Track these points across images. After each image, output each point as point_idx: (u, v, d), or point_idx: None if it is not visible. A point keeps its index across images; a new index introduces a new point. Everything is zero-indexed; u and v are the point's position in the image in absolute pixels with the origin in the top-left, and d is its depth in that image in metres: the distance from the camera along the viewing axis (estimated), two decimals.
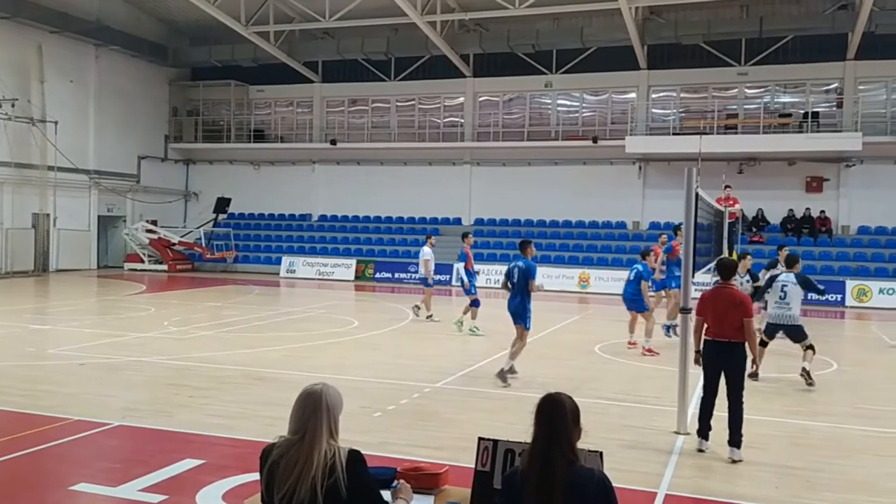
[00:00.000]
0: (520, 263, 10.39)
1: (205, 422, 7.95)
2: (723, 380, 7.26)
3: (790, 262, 11.48)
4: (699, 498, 6.18)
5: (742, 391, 7.22)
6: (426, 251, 17.07)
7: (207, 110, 34.76)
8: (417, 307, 17.06)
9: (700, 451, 7.23)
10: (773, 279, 11.17)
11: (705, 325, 7.38)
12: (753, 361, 7.34)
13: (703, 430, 7.33)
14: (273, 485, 3.10)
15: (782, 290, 10.88)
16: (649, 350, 12.84)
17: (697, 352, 7.50)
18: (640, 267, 13.16)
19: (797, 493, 6.27)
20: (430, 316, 16.79)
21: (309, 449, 3.04)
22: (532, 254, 10.60)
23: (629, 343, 13.46)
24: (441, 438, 7.52)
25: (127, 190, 31.48)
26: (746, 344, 7.22)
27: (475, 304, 15.13)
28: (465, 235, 16.43)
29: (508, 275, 10.52)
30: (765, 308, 11.72)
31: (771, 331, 11.11)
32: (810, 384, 10.39)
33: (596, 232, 28.83)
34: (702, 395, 7.42)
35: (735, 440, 7.10)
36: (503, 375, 10.25)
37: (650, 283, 13.85)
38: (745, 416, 7.16)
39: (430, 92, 31.49)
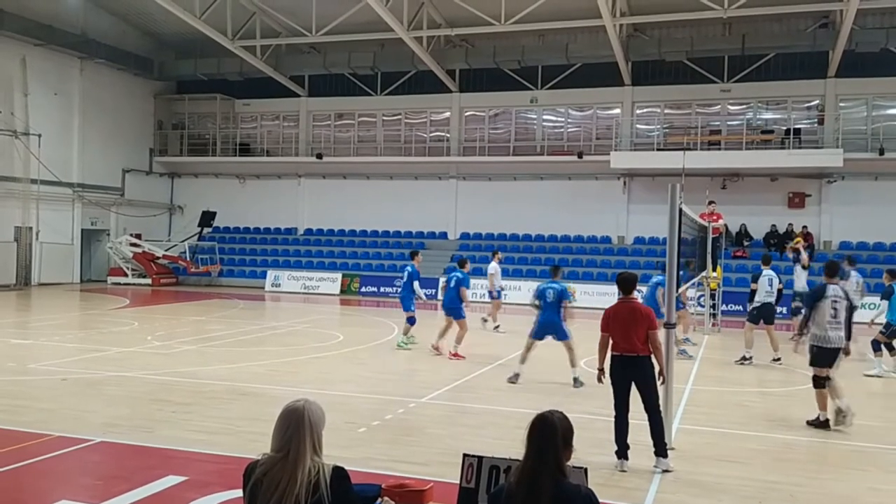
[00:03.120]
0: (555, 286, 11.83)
1: (187, 438, 7.88)
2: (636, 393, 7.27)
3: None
4: None
5: (658, 401, 7.25)
6: (493, 266, 18.36)
7: (193, 124, 34.69)
8: (485, 319, 18.22)
9: (622, 471, 7.10)
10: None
11: (611, 342, 7.32)
12: (661, 373, 7.29)
13: (622, 451, 7.21)
14: (256, 503, 3.08)
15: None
16: (455, 354, 13.57)
17: (601, 370, 7.41)
18: (458, 275, 13.89)
19: None
20: (497, 327, 17.90)
21: (293, 466, 3.02)
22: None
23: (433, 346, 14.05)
24: (426, 454, 7.49)
25: (111, 203, 31.31)
26: (653, 356, 7.23)
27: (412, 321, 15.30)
28: (414, 254, 16.51)
29: (541, 296, 11.69)
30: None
31: None
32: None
33: (581, 246, 28.94)
34: (614, 414, 7.30)
35: (660, 450, 7.13)
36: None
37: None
38: (664, 424, 7.21)
39: (416, 107, 31.59)
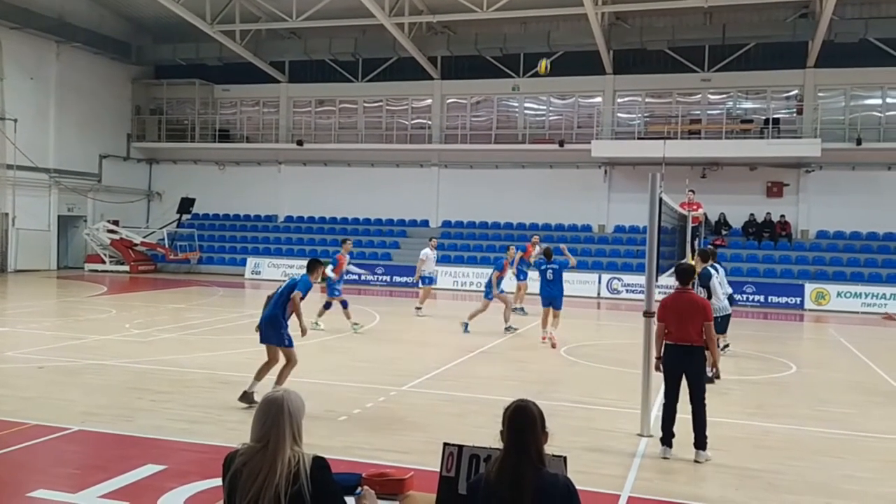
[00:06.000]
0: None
1: (167, 426, 7.83)
2: (684, 384, 7.36)
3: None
4: (662, 500, 6.24)
5: (704, 394, 7.33)
6: (425, 252, 18.78)
7: (171, 109, 34.31)
8: (418, 307, 18.62)
9: (665, 458, 7.25)
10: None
11: (666, 331, 7.41)
12: (714, 365, 7.40)
13: (667, 439, 7.35)
14: (236, 493, 3.06)
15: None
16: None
17: (659, 358, 7.51)
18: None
19: (757, 495, 6.37)
20: (420, 309, 18.47)
21: (273, 457, 3.01)
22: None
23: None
24: (407, 443, 7.50)
25: (88, 189, 30.94)
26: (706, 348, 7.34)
27: (344, 304, 15.89)
28: (344, 241, 17.08)
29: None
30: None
31: None
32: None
33: (562, 235, 28.96)
34: (664, 401, 7.46)
35: (700, 442, 7.22)
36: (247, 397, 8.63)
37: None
38: (707, 418, 7.29)
39: (397, 93, 31.45)
